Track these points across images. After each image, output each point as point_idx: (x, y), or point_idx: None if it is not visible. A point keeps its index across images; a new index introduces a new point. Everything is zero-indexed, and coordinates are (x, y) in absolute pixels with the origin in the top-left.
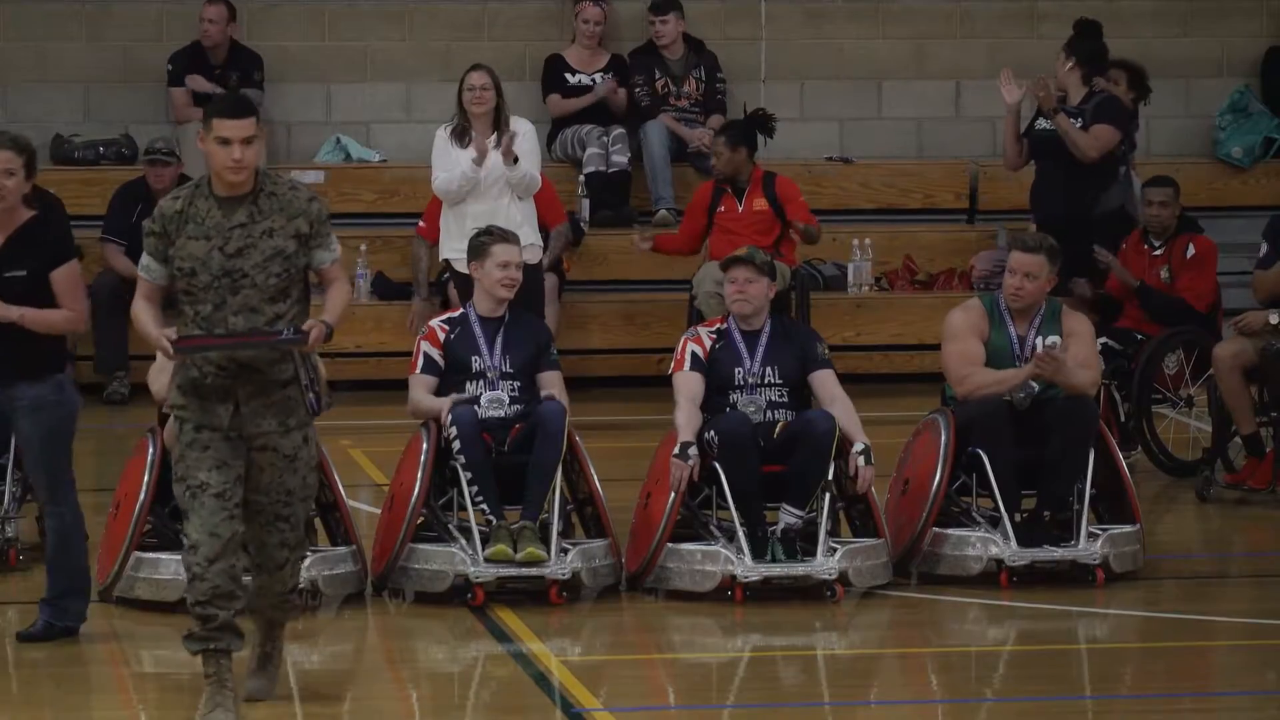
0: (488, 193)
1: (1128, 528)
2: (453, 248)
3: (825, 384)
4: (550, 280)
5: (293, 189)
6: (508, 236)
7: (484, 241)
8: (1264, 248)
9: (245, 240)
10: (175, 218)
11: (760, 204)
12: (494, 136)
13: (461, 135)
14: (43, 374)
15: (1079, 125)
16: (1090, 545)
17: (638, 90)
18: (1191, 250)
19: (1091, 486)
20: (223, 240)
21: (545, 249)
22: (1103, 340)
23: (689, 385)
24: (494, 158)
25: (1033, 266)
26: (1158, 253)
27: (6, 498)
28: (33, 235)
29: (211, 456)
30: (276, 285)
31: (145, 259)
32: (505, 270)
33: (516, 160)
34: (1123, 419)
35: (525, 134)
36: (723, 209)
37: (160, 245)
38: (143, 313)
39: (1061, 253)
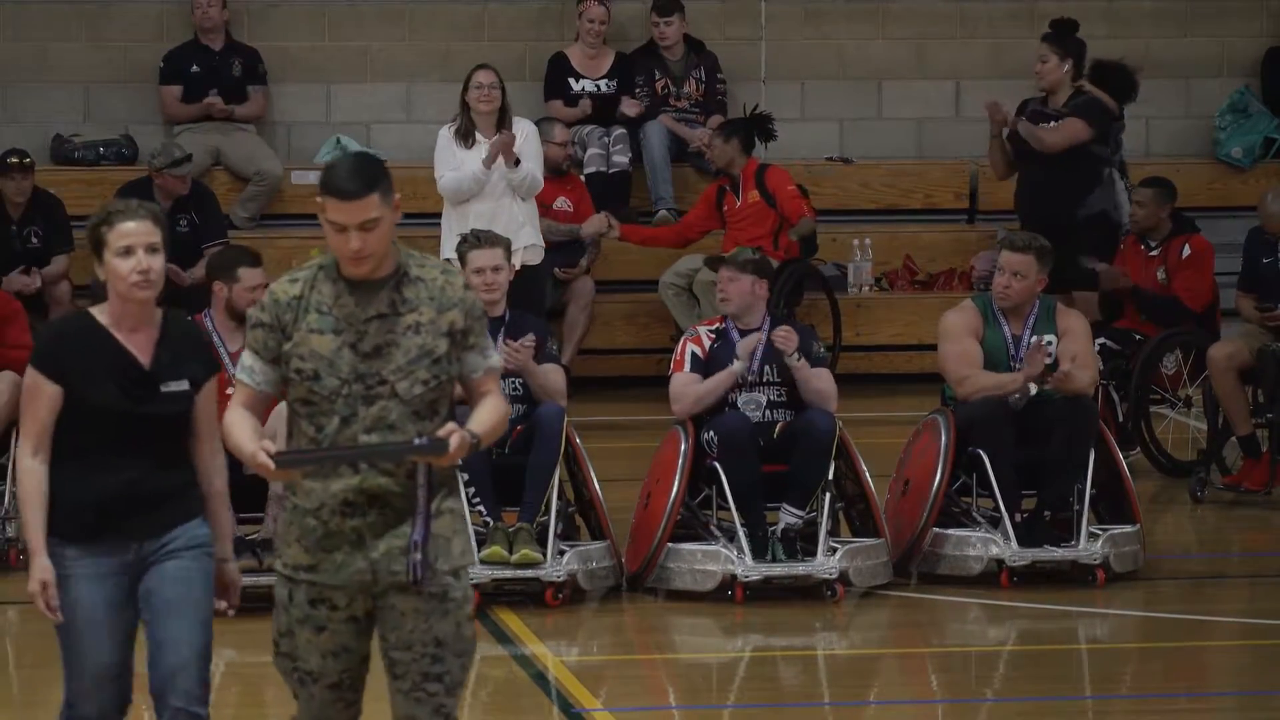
0: (491, 193)
1: (1128, 528)
2: (455, 248)
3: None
4: (585, 285)
5: (445, 273)
6: (483, 241)
7: (462, 250)
8: (1243, 265)
9: (384, 336)
10: (293, 305)
11: (754, 196)
12: (496, 136)
13: (465, 135)
14: (198, 504)
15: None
16: (1091, 545)
17: (638, 90)
18: (1187, 251)
19: (1092, 486)
20: (355, 335)
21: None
22: (1101, 340)
23: (691, 383)
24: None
25: (1021, 265)
26: (1154, 254)
27: (7, 498)
28: (185, 332)
29: (329, 641)
30: (423, 396)
31: (248, 359)
32: (480, 276)
33: (518, 161)
34: (1121, 419)
35: (527, 135)
36: (726, 206)
37: (270, 340)
38: (237, 424)
39: (1054, 254)
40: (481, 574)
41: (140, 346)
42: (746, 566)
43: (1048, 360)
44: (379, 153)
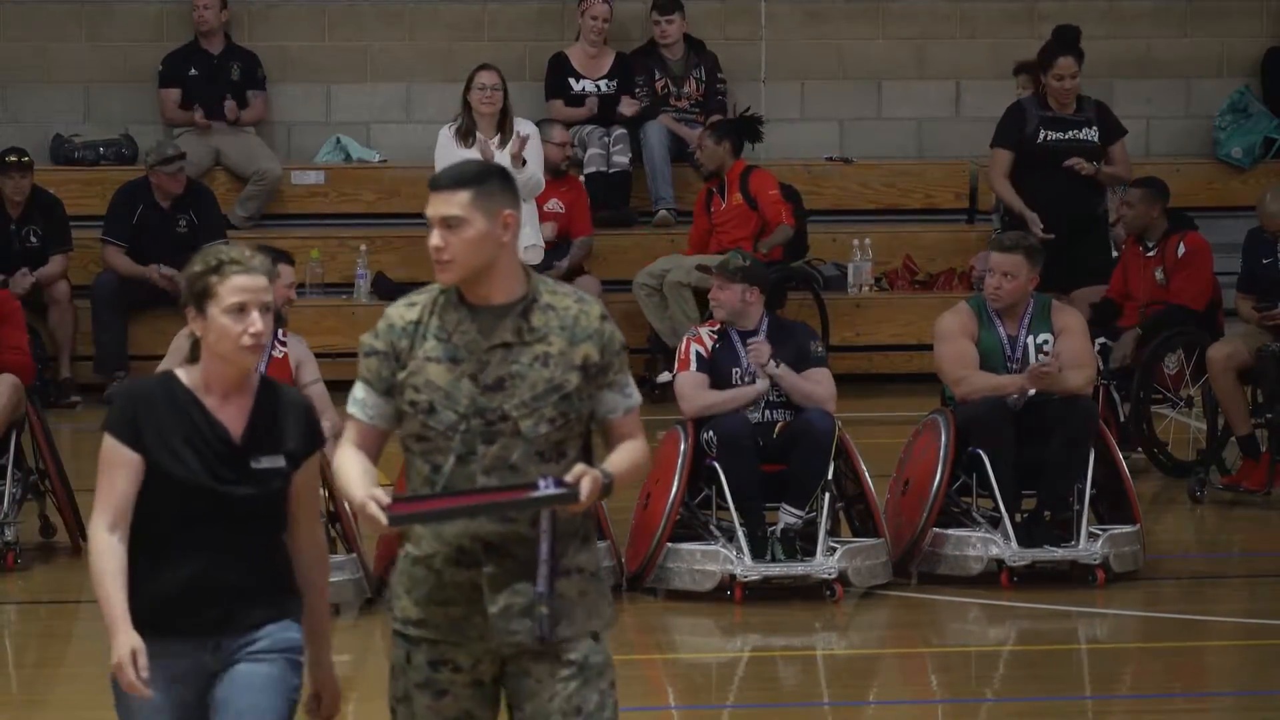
0: None
1: (1128, 528)
2: None
3: (816, 381)
4: (590, 284)
5: (579, 301)
6: None
7: None
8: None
9: (508, 368)
10: (409, 331)
11: (737, 198)
12: (498, 137)
13: (466, 135)
14: (291, 601)
15: (1094, 135)
16: (1091, 545)
17: (638, 91)
18: (1182, 249)
19: (1091, 486)
20: (476, 365)
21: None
22: (1101, 340)
23: (698, 383)
24: (499, 158)
25: (1010, 266)
26: (1150, 254)
27: (6, 499)
28: (283, 400)
29: (451, 707)
30: (549, 436)
31: (360, 390)
32: None
33: (525, 163)
34: (1122, 419)
35: (529, 137)
36: (713, 207)
37: (384, 369)
38: (347, 466)
39: (1044, 252)
40: None
41: (231, 417)
42: (746, 566)
43: (1047, 369)
44: (379, 153)
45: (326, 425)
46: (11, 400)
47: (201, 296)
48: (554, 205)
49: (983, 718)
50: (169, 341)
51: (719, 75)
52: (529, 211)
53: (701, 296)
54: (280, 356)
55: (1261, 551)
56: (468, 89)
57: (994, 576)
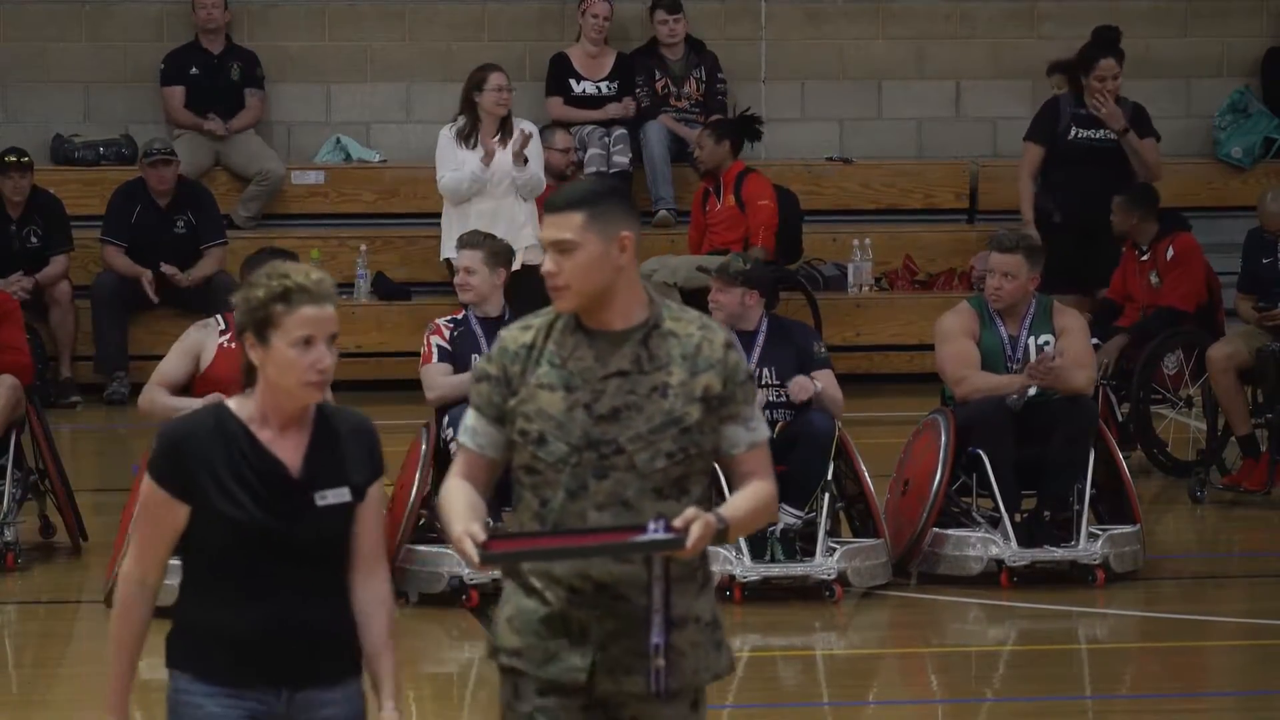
0: (493, 192)
1: (1128, 528)
2: (454, 247)
3: (822, 383)
4: None
5: (703, 328)
6: (462, 242)
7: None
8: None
9: (624, 397)
10: (522, 355)
11: (731, 200)
12: (498, 137)
13: (468, 136)
14: (353, 669)
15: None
16: (1090, 545)
17: (638, 91)
18: (1170, 252)
19: (1091, 486)
20: (590, 394)
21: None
22: (1098, 341)
23: None
24: (501, 157)
25: (1009, 266)
26: (1144, 258)
27: (6, 499)
28: (345, 427)
29: None
30: (666, 472)
31: (471, 418)
32: (457, 275)
33: (526, 161)
34: (1120, 419)
35: (530, 136)
36: (708, 207)
37: (496, 395)
38: (454, 496)
39: (1044, 252)
40: (479, 575)
41: (289, 450)
42: (745, 567)
43: (1051, 364)
44: (379, 153)
45: None
46: (10, 400)
47: (264, 325)
48: None
49: (983, 718)
50: (169, 342)
51: (719, 75)
52: (530, 210)
53: (689, 297)
54: None
55: (1261, 551)
56: (476, 90)
57: (994, 576)
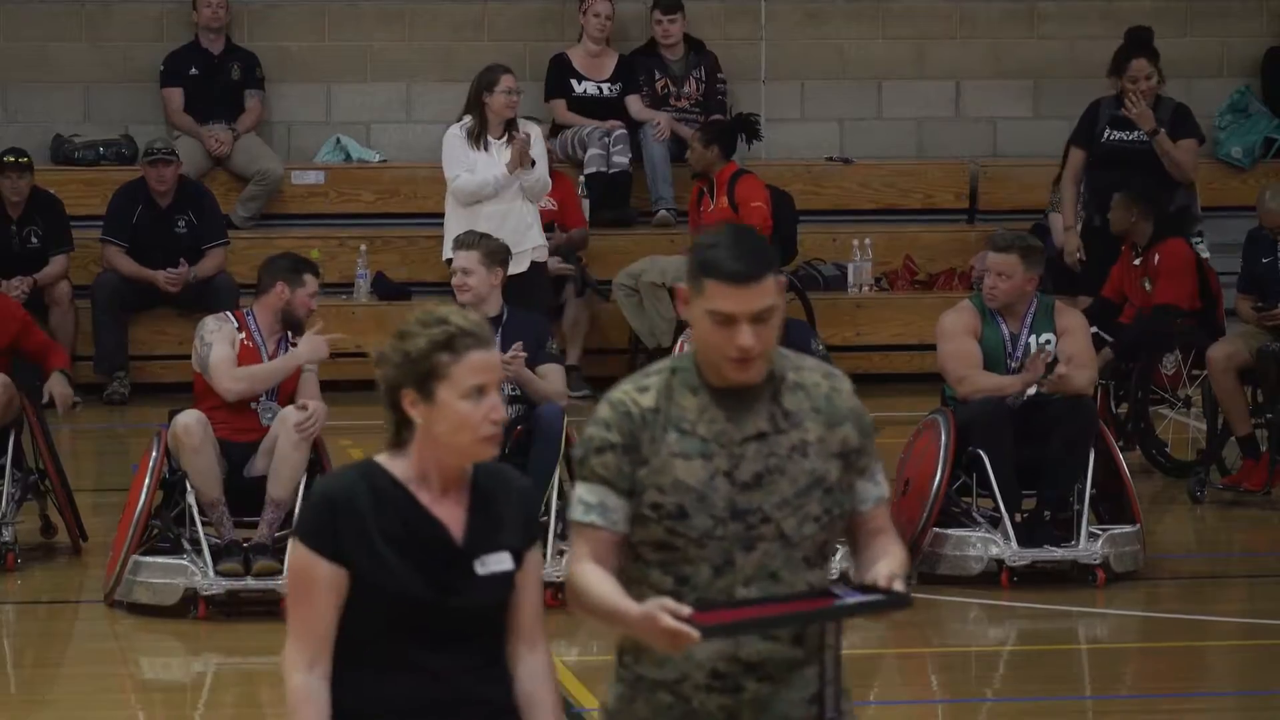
0: (504, 194)
1: (1128, 528)
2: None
3: None
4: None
5: (828, 376)
6: (460, 244)
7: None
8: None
9: (766, 461)
10: (649, 419)
11: (724, 202)
12: (506, 137)
13: (478, 138)
14: None
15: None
16: (1091, 545)
17: (643, 92)
18: (1158, 259)
19: (1092, 486)
20: (730, 461)
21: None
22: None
23: None
24: (503, 159)
25: (1004, 266)
26: (1137, 262)
27: (5, 500)
28: (499, 482)
29: None
30: (813, 537)
31: (593, 493)
32: (454, 276)
33: (533, 163)
34: (1119, 419)
35: (535, 137)
36: (702, 207)
37: (626, 465)
38: (598, 581)
39: (1044, 251)
40: None
41: (451, 512)
42: None
43: (1048, 360)
44: (379, 153)
45: (315, 405)
46: (2, 399)
47: (428, 379)
48: (547, 203)
49: (983, 718)
50: (169, 342)
51: (719, 75)
52: (534, 211)
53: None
54: None
55: (1261, 551)
56: (486, 91)
57: (994, 576)
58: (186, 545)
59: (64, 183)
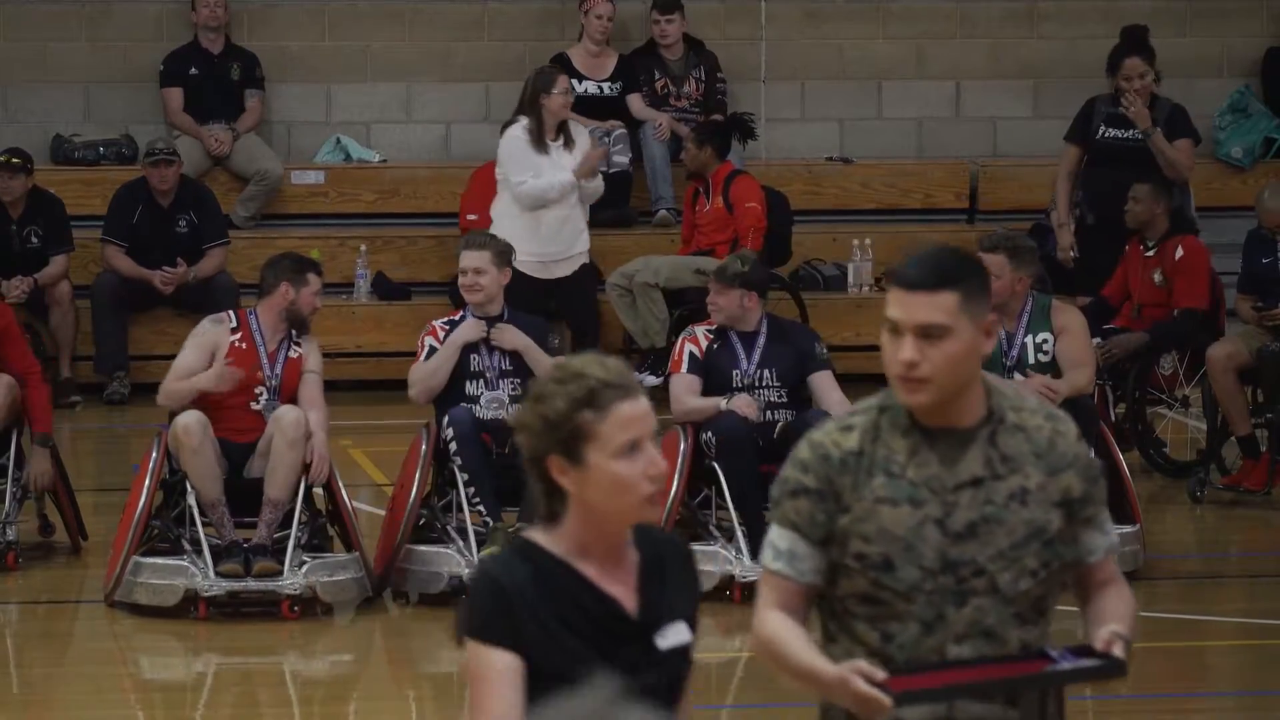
0: (567, 199)
1: (1127, 527)
2: (525, 250)
3: (823, 385)
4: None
5: (1050, 418)
6: (471, 244)
7: (460, 248)
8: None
9: (982, 509)
10: (851, 463)
11: (719, 202)
12: (560, 139)
13: (540, 139)
14: None
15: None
16: None
17: (644, 92)
18: (1180, 252)
19: None
20: (942, 508)
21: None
22: (1095, 341)
23: (689, 387)
24: (569, 164)
25: (992, 265)
26: (1150, 254)
27: (7, 499)
28: (662, 547)
29: None
30: (1029, 592)
31: (785, 539)
32: (464, 277)
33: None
34: (1118, 419)
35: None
36: (697, 207)
37: (820, 513)
38: (788, 637)
39: (1035, 250)
40: None
41: (621, 585)
42: (745, 567)
43: (1045, 359)
44: (379, 153)
45: (315, 417)
46: (5, 400)
47: (573, 442)
48: None
49: None
50: (169, 342)
51: (719, 75)
52: (584, 216)
53: (672, 297)
54: (295, 356)
55: (1261, 551)
56: (544, 92)
57: None
58: (187, 546)
59: (64, 183)
